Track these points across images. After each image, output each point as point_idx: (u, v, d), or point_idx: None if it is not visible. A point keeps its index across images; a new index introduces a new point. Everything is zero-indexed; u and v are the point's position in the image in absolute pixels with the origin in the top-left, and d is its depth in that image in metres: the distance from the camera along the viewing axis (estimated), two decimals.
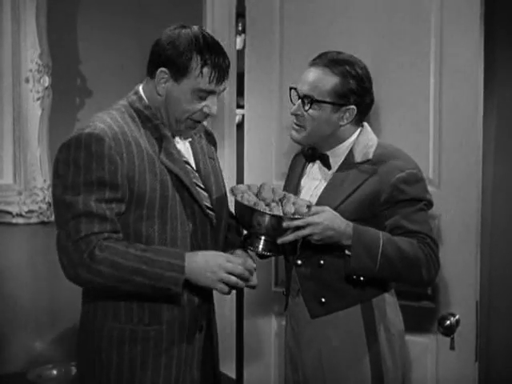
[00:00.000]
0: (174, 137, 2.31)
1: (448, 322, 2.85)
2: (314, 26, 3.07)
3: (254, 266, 2.33)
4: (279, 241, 2.35)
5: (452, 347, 2.86)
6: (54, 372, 3.14)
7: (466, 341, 2.85)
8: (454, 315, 2.86)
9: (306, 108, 2.50)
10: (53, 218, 3.24)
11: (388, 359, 2.51)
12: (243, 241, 2.40)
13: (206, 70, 2.19)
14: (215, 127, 3.45)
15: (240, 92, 3.41)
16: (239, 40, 3.62)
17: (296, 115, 2.54)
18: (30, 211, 3.23)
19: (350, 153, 2.54)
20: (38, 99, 3.19)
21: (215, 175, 2.42)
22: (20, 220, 3.22)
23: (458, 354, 2.86)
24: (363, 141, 2.55)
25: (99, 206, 2.12)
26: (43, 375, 3.10)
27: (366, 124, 2.61)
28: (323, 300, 2.51)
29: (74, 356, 2.39)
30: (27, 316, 3.26)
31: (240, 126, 3.54)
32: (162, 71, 2.21)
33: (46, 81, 3.20)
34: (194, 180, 2.31)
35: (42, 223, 3.25)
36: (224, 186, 2.46)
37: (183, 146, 2.35)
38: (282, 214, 2.32)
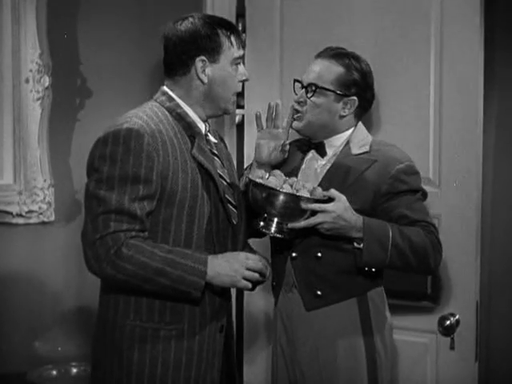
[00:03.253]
0: (206, 135, 2.36)
1: (448, 322, 2.85)
2: (314, 25, 3.07)
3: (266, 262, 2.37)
4: (290, 225, 2.38)
5: (452, 347, 2.86)
6: (54, 372, 3.14)
7: (465, 341, 2.85)
8: (453, 315, 2.86)
9: (309, 95, 2.56)
10: (53, 219, 3.27)
11: (381, 351, 2.54)
12: (256, 223, 2.41)
13: (232, 38, 2.30)
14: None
15: (240, 92, 3.40)
16: None
17: (298, 102, 2.59)
18: (30, 211, 3.22)
19: (347, 145, 2.59)
20: (38, 99, 3.19)
21: (235, 177, 2.47)
22: (20, 220, 3.22)
23: (457, 353, 2.86)
24: (359, 135, 2.61)
25: (131, 204, 2.13)
26: (43, 375, 3.10)
27: (360, 123, 2.65)
28: (319, 293, 2.52)
29: (90, 352, 2.36)
30: (27, 316, 3.26)
31: (240, 126, 3.54)
32: (200, 60, 2.27)
33: (46, 81, 3.20)
34: (222, 174, 2.34)
35: (42, 223, 3.25)
36: (241, 192, 2.49)
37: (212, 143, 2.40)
38: (299, 194, 2.35)
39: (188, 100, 2.32)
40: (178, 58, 2.29)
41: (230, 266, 2.20)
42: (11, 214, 3.21)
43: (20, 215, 3.22)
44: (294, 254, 2.56)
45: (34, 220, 3.24)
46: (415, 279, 2.77)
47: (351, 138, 2.59)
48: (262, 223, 2.40)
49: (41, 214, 3.24)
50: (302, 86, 2.60)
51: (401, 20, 2.92)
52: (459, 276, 2.84)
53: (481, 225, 2.89)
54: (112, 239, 2.11)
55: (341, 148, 2.59)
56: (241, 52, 2.33)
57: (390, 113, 2.94)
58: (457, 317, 2.86)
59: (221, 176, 2.34)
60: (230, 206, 2.35)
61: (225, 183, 2.35)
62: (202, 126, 2.34)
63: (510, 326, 3.00)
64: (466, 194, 2.83)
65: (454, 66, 2.83)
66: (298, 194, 2.36)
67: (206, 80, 2.29)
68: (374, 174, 2.50)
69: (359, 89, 2.57)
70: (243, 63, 2.41)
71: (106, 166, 2.14)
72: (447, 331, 2.85)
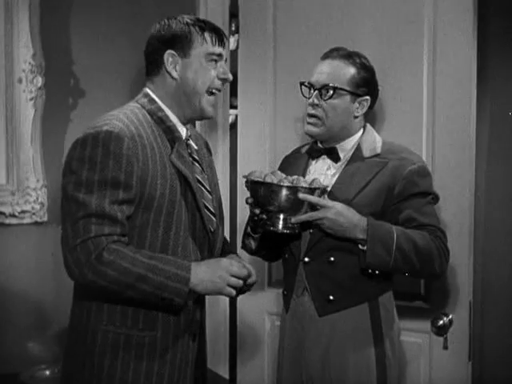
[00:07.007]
0: (187, 140, 2.33)
1: (441, 322, 2.86)
2: (307, 26, 3.08)
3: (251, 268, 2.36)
4: (293, 220, 2.39)
5: (445, 347, 2.87)
6: (47, 373, 3.12)
7: (459, 340, 2.86)
8: (447, 315, 2.87)
9: (326, 98, 2.53)
10: (46, 219, 3.25)
11: (391, 356, 2.55)
12: (262, 223, 2.43)
13: (206, 34, 2.27)
14: (208, 127, 3.45)
15: (233, 92, 3.41)
16: (232, 40, 3.62)
17: (314, 106, 2.55)
18: (23, 212, 3.21)
19: (358, 148, 2.58)
20: (31, 99, 3.18)
21: (215, 183, 2.44)
22: (13, 220, 3.21)
23: (451, 353, 2.88)
24: (370, 138, 2.60)
25: (112, 208, 2.09)
26: (36, 376, 3.08)
27: (368, 124, 2.65)
28: (331, 298, 2.53)
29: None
30: (20, 317, 3.25)
31: (233, 127, 3.54)
32: (168, 54, 2.25)
33: (39, 81, 3.19)
34: (202, 180, 2.32)
35: (35, 224, 3.24)
36: (220, 198, 2.46)
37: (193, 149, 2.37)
38: (297, 185, 2.37)
39: (166, 100, 2.28)
40: (150, 56, 2.29)
41: (214, 273, 2.16)
42: (4, 214, 3.19)
43: (13, 215, 3.20)
44: (306, 259, 2.55)
45: (27, 220, 3.22)
46: (408, 280, 2.78)
47: (361, 141, 2.58)
48: (268, 222, 2.41)
49: (34, 214, 3.23)
50: (314, 89, 2.56)
51: (394, 21, 2.93)
52: (452, 276, 2.85)
53: (474, 225, 2.89)
54: (93, 243, 2.07)
55: (352, 152, 2.58)
56: (217, 49, 2.28)
57: (383, 115, 2.94)
58: (450, 317, 2.87)
59: (200, 182, 2.31)
60: (208, 213, 2.31)
61: (203, 189, 2.32)
62: (182, 131, 2.31)
63: (503, 325, 3.01)
64: (459, 194, 2.83)
65: (447, 68, 2.84)
66: (295, 184, 2.37)
67: (176, 75, 2.26)
68: (386, 176, 2.50)
69: (371, 87, 2.58)
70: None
71: (85, 169, 2.09)
72: (440, 331, 2.87)
